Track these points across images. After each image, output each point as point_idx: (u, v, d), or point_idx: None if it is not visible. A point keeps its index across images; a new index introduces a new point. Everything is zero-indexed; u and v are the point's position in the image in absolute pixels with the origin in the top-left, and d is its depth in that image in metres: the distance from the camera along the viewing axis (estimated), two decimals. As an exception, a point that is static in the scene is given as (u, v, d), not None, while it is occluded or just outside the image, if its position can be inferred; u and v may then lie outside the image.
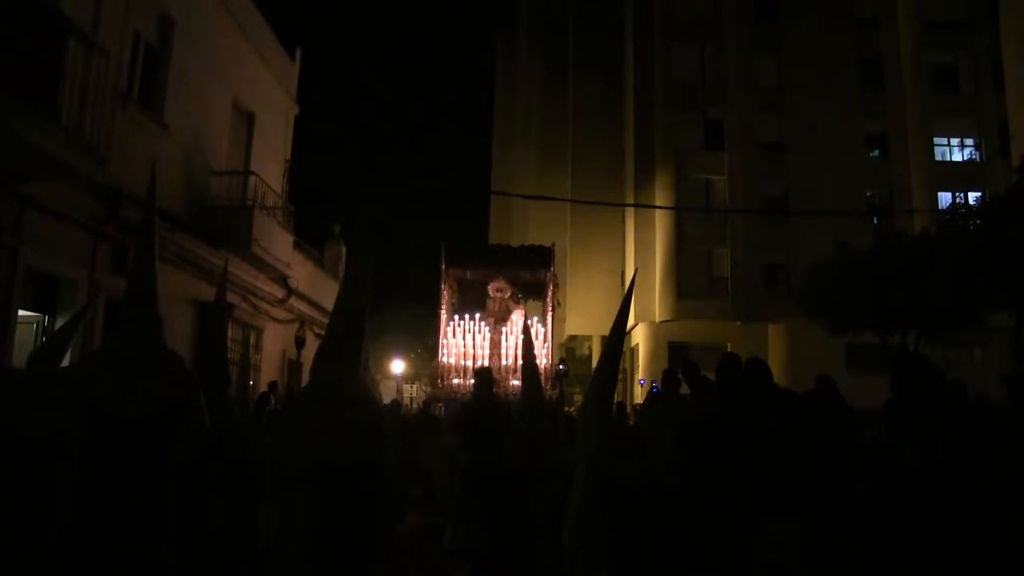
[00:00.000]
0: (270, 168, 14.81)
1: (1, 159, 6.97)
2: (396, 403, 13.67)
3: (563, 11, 39.03)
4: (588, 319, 32.96)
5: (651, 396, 8.65)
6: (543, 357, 11.64)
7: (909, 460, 3.47)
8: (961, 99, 30.33)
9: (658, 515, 4.03)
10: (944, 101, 29.93)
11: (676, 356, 26.46)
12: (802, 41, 30.13)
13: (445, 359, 12.08)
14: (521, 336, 11.96)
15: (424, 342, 36.48)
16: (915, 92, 29.92)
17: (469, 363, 11.90)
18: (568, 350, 36.10)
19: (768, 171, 29.79)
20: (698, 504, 3.95)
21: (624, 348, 21.73)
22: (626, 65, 33.61)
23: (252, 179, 12.99)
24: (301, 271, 15.67)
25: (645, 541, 3.98)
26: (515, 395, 10.76)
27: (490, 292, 12.78)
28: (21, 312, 8.01)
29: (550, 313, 12.65)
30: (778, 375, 5.95)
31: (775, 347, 27.31)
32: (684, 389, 7.18)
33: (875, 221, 28.67)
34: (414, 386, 40.12)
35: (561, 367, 22.99)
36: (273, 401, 10.06)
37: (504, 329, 12.18)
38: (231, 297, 11.33)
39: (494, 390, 7.69)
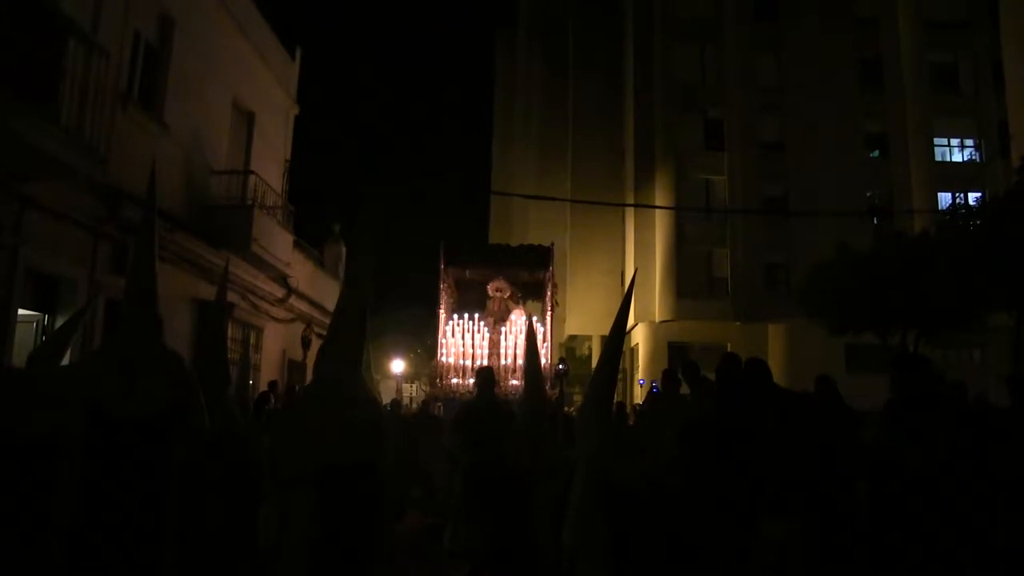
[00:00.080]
0: (270, 168, 14.81)
1: (1, 159, 6.97)
2: (396, 403, 13.68)
3: (563, 11, 39.03)
4: (588, 319, 32.97)
5: (651, 396, 8.66)
6: (543, 357, 11.64)
7: (909, 460, 3.47)
8: (961, 99, 30.34)
9: (658, 515, 4.03)
10: (944, 101, 29.94)
11: (676, 356, 26.47)
12: (802, 41, 30.14)
13: (444, 359, 12.08)
14: (520, 336, 12.03)
15: (424, 342, 36.51)
16: (915, 92, 29.93)
17: (468, 363, 11.90)
18: (568, 350, 36.11)
19: (768, 171, 29.80)
20: (698, 504, 3.95)
21: (624, 348, 21.74)
22: (626, 65, 33.61)
23: (252, 179, 12.99)
24: (301, 271, 15.67)
25: (645, 541, 3.98)
26: (515, 395, 10.75)
27: (490, 292, 12.78)
28: (21, 311, 8.01)
29: (549, 313, 12.65)
30: (778, 375, 5.95)
31: (775, 347, 27.31)
32: (684, 389, 7.18)
33: (875, 221, 28.68)
34: (414, 386, 40.13)
35: (561, 367, 23.00)
36: (273, 401, 10.06)
37: (503, 329, 12.17)
38: (231, 296, 11.33)
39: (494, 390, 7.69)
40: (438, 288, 12.71)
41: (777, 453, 4.02)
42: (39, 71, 6.92)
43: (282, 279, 14.36)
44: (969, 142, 30.46)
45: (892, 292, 16.82)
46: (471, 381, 11.67)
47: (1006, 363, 15.96)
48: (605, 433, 4.38)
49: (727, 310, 28.89)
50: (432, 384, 12.83)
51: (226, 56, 12.92)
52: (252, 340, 13.58)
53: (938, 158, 30.17)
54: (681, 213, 29.12)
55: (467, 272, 13.14)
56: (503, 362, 11.76)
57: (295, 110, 16.50)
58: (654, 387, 11.86)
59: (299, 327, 15.89)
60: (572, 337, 36.69)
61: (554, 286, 12.92)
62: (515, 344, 11.96)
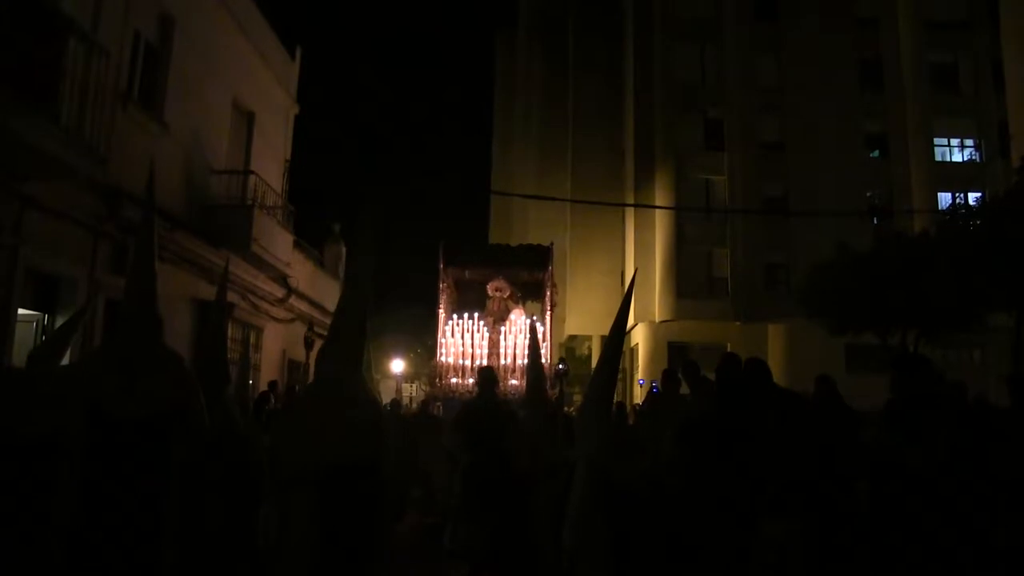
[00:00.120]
0: (270, 167, 14.81)
1: (1, 159, 6.96)
2: (396, 402, 13.67)
3: (563, 11, 39.03)
4: (588, 319, 32.97)
5: (651, 396, 8.65)
6: (543, 356, 11.64)
7: (909, 460, 3.47)
8: (961, 99, 30.34)
9: (658, 515, 4.03)
10: (944, 101, 29.94)
11: (676, 356, 26.47)
12: (802, 41, 30.14)
13: (443, 358, 12.08)
14: (520, 336, 12.04)
15: (424, 342, 36.51)
16: (915, 92, 29.93)
17: (467, 362, 11.90)
18: (568, 350, 36.11)
19: (768, 171, 29.80)
20: (698, 504, 3.95)
21: (624, 348, 21.74)
22: (626, 65, 33.60)
23: (252, 178, 12.99)
24: (301, 270, 15.67)
25: (645, 541, 3.98)
26: (515, 395, 10.75)
27: (489, 292, 12.78)
28: (21, 311, 8.01)
29: (549, 312, 12.65)
30: (778, 375, 5.95)
31: (775, 347, 27.31)
32: (684, 389, 7.18)
33: (875, 221, 28.67)
34: (413, 385, 40.14)
35: (561, 367, 22.99)
36: (273, 400, 10.06)
37: (503, 329, 12.17)
38: (231, 296, 11.32)
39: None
40: (438, 288, 12.72)
41: (777, 453, 4.02)
42: (39, 70, 6.91)
43: (282, 279, 14.36)
44: (969, 142, 30.46)
45: (892, 292, 16.82)
46: (470, 381, 11.67)
47: (1006, 363, 15.96)
48: (605, 433, 4.38)
49: (727, 310, 28.89)
50: (431, 384, 12.83)
51: (226, 56, 12.91)
52: (252, 340, 13.58)
53: (938, 158, 30.17)
54: (681, 213, 29.12)
55: (467, 272, 13.15)
56: (502, 362, 11.76)
57: (295, 110, 16.50)
58: (654, 387, 11.85)
59: (299, 327, 15.89)
60: (572, 337, 36.70)
61: (553, 286, 12.93)
62: (514, 344, 11.96)
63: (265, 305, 14.21)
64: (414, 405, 23.73)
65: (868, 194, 29.90)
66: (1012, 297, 13.63)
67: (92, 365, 4.21)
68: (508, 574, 5.60)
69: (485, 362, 11.65)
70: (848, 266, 18.49)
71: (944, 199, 27.93)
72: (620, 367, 13.97)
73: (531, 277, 13.23)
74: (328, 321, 16.36)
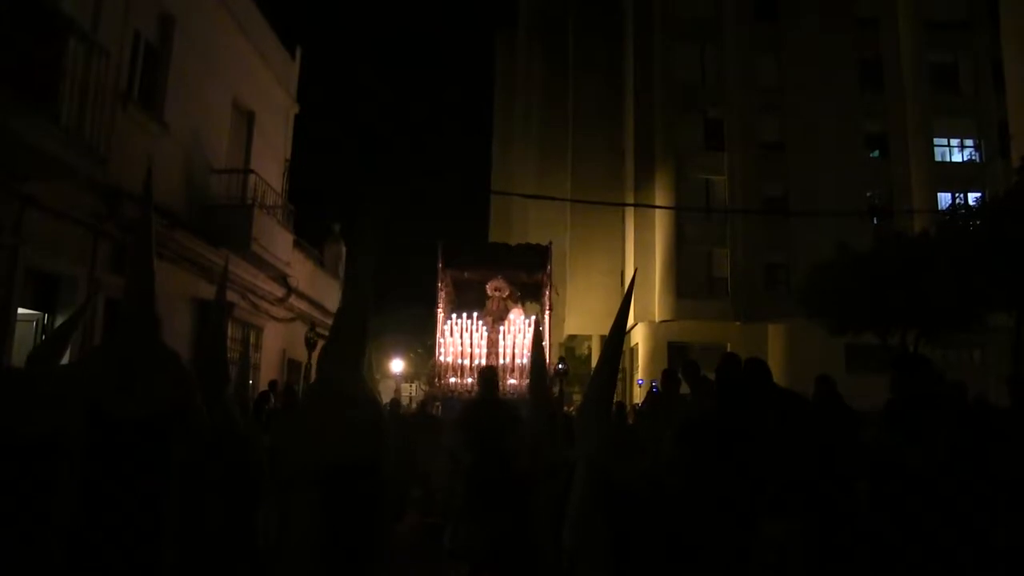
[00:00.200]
0: (270, 167, 14.81)
1: (1, 158, 6.96)
2: (395, 402, 13.66)
3: (563, 11, 39.03)
4: (588, 319, 32.97)
5: (651, 396, 8.65)
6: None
7: (909, 460, 3.47)
8: (961, 99, 30.34)
9: (658, 515, 4.03)
10: (944, 101, 29.94)
11: (676, 356, 26.47)
12: (802, 41, 30.14)
13: (442, 358, 12.07)
14: (519, 335, 12.03)
15: (423, 342, 36.48)
16: (915, 92, 29.93)
17: (466, 362, 11.88)
18: (568, 350, 36.12)
19: (768, 171, 29.80)
20: (698, 504, 3.95)
21: (624, 348, 21.74)
22: (626, 65, 33.60)
23: (252, 178, 12.99)
24: (301, 270, 15.67)
25: (645, 541, 3.98)
26: (513, 394, 10.75)
27: (489, 291, 12.77)
28: (21, 310, 8.01)
29: (548, 312, 12.64)
30: (778, 375, 5.94)
31: (775, 347, 27.31)
32: (684, 389, 7.18)
33: (875, 221, 28.68)
34: (413, 385, 40.12)
35: (560, 366, 22.99)
36: (273, 400, 10.06)
37: (502, 328, 12.16)
38: (231, 296, 11.32)
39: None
40: (436, 287, 12.71)
41: (777, 453, 4.02)
42: (39, 70, 6.91)
43: (282, 278, 14.36)
44: (969, 142, 30.46)
45: (892, 292, 16.82)
46: (469, 380, 11.66)
47: (1006, 363, 15.96)
48: (605, 433, 4.38)
49: (727, 310, 28.89)
50: (430, 384, 12.82)
51: (226, 55, 12.91)
52: (252, 339, 13.58)
53: (938, 158, 30.17)
54: (681, 213, 29.12)
55: (466, 272, 13.13)
56: (501, 361, 11.74)
57: (295, 109, 16.50)
58: (654, 387, 11.85)
59: (299, 326, 15.89)
60: (572, 337, 36.70)
61: (551, 285, 12.92)
62: (513, 343, 11.95)
63: (265, 305, 14.21)
64: (414, 405, 23.73)
65: (868, 194, 29.90)
66: (1012, 297, 13.62)
67: (92, 365, 4.21)
68: (508, 574, 5.59)
69: (484, 362, 11.64)
70: (848, 266, 18.49)
71: (944, 199, 27.92)
72: (620, 367, 13.98)
73: (530, 277, 13.21)
74: (328, 321, 16.41)
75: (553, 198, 25.54)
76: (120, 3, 9.33)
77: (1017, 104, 20.40)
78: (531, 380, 6.70)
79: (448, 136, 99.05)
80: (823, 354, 21.26)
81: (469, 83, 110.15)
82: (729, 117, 30.37)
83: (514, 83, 47.20)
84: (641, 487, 4.19)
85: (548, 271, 12.79)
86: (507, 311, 12.62)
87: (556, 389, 16.26)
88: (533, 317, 12.55)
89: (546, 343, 12.23)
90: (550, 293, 12.75)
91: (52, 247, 8.30)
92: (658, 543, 3.96)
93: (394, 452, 4.53)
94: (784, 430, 4.19)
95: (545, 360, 6.89)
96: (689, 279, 29.42)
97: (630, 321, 19.57)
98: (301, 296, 15.70)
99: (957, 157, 30.64)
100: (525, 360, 11.67)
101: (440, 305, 12.60)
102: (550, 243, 13.16)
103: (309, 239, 17.53)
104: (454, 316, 12.34)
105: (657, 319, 29.21)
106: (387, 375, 34.24)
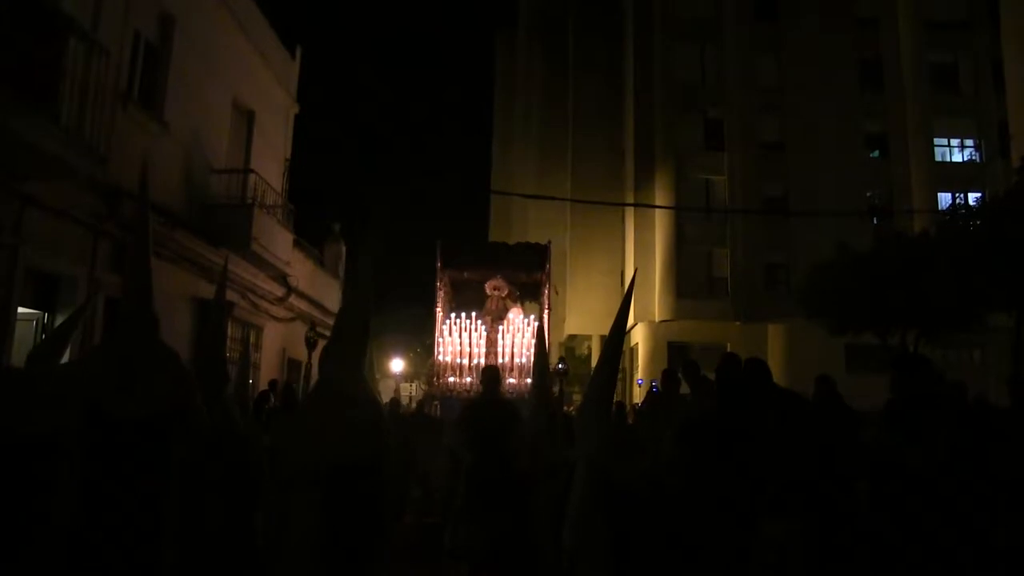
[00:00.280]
0: (270, 167, 14.81)
1: (1, 158, 6.96)
2: (395, 402, 13.66)
3: (563, 11, 39.04)
4: (588, 319, 32.97)
5: (651, 396, 8.65)
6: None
7: (909, 460, 3.47)
8: (961, 99, 30.33)
9: (658, 515, 4.03)
10: (944, 101, 29.93)
11: (676, 356, 26.48)
12: (802, 41, 30.13)
13: (441, 357, 12.07)
14: (518, 335, 12.03)
15: (423, 341, 36.45)
16: (915, 92, 29.92)
17: (465, 361, 11.88)
18: (568, 349, 36.12)
19: (768, 171, 29.80)
20: (698, 504, 3.95)
21: (624, 348, 21.75)
22: (626, 65, 33.60)
23: (252, 177, 12.98)
24: (301, 270, 15.67)
25: (645, 541, 3.98)
26: (512, 393, 10.75)
27: (488, 291, 12.77)
28: (21, 309, 8.01)
29: (547, 311, 12.63)
30: (778, 375, 5.94)
31: (775, 347, 27.30)
32: (684, 389, 7.18)
33: (875, 221, 28.67)
34: (413, 385, 40.12)
35: (560, 366, 22.98)
36: (273, 400, 10.05)
37: (501, 328, 12.16)
38: (231, 295, 11.32)
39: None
40: (435, 287, 12.71)
41: (777, 453, 4.02)
42: (39, 70, 6.91)
43: (282, 278, 14.36)
44: (969, 142, 30.45)
45: (892, 292, 16.81)
46: (468, 380, 11.67)
47: (1006, 363, 15.96)
48: (605, 433, 4.38)
49: (727, 310, 28.89)
50: (429, 383, 12.82)
51: (226, 55, 12.91)
52: (252, 339, 13.58)
53: (938, 158, 30.16)
54: (681, 213, 29.12)
55: (465, 271, 13.13)
56: (500, 361, 11.75)
57: (295, 109, 16.50)
58: (653, 387, 11.84)
59: (299, 326, 15.89)
60: (572, 337, 36.70)
61: (550, 285, 12.91)
62: (512, 343, 11.95)
63: (265, 304, 14.21)
64: (413, 405, 23.71)
65: (868, 194, 29.89)
66: (1012, 297, 13.62)
67: (91, 364, 4.21)
68: (508, 574, 5.59)
69: (483, 361, 11.64)
70: (848, 266, 18.48)
71: (944, 199, 27.92)
72: (620, 367, 13.98)
73: (529, 277, 13.21)
74: (328, 320, 16.42)
75: (553, 198, 25.52)
76: (120, 3, 9.33)
77: (1017, 104, 20.40)
78: (534, 381, 6.70)
79: (448, 136, 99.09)
80: (823, 354, 21.26)
81: (469, 83, 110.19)
82: (729, 117, 30.37)
83: (514, 83, 47.18)
84: (641, 487, 4.19)
85: (547, 270, 12.79)
86: (506, 310, 12.63)
87: (556, 389, 16.24)
88: (532, 316, 12.56)
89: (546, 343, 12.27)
90: (549, 292, 12.75)
91: (52, 247, 8.30)
92: (658, 543, 3.96)
93: (395, 452, 4.53)
94: (784, 430, 4.19)
95: (548, 361, 6.90)
96: (689, 279, 29.42)
97: (630, 321, 19.56)
98: (301, 296, 15.70)
99: (957, 157, 30.63)
100: (524, 360, 11.68)
101: (439, 304, 12.59)
102: (549, 242, 13.17)
103: (309, 239, 17.55)
104: (453, 315, 12.34)
105: (657, 319, 29.21)
106: (387, 375, 34.25)
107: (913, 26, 30.31)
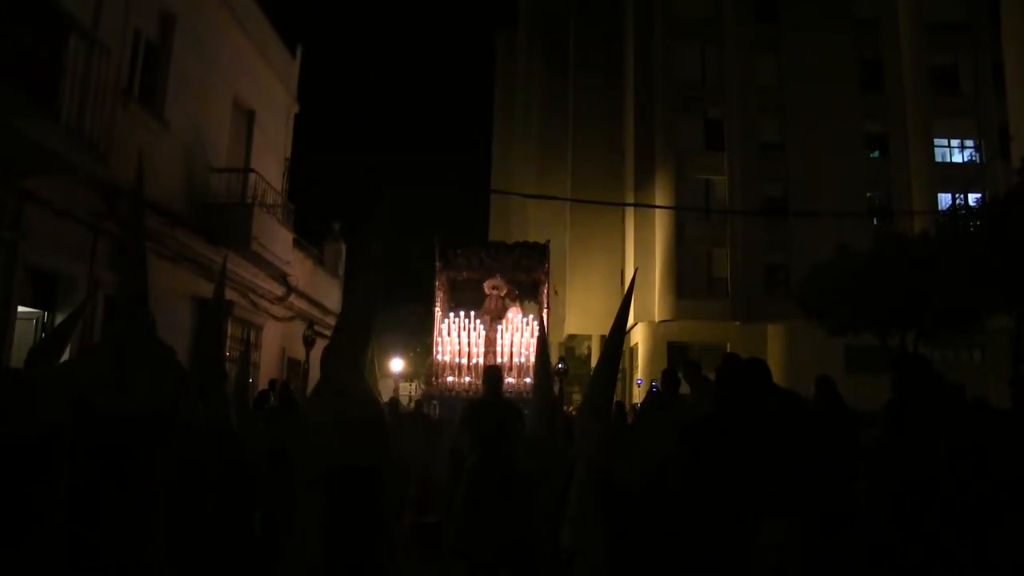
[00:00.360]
0: (270, 166, 14.80)
1: (2, 155, 6.96)
2: (394, 401, 13.65)
3: (563, 11, 39.05)
4: (588, 319, 32.97)
5: (650, 395, 8.65)
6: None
7: (909, 460, 3.47)
8: (961, 100, 30.32)
9: (657, 515, 4.02)
10: (944, 102, 29.92)
11: (675, 356, 26.48)
12: (802, 41, 30.12)
13: (440, 357, 12.06)
14: (517, 334, 12.04)
15: (423, 341, 36.40)
16: (915, 92, 29.91)
17: (464, 361, 11.88)
18: (568, 350, 36.12)
19: (768, 171, 29.80)
20: (698, 504, 3.94)
21: (624, 348, 21.74)
22: (626, 65, 33.60)
23: (252, 176, 12.98)
24: (301, 269, 15.66)
25: (644, 541, 3.97)
26: (511, 392, 10.75)
27: (487, 290, 12.78)
28: (21, 308, 8.01)
29: (546, 310, 12.64)
30: (778, 375, 5.95)
31: (774, 347, 27.31)
32: (684, 389, 7.18)
33: (875, 222, 28.67)
34: (412, 384, 40.09)
35: (560, 366, 22.96)
36: (272, 399, 10.05)
37: (499, 327, 12.16)
38: (231, 294, 11.31)
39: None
40: (434, 286, 12.71)
41: (777, 453, 4.01)
42: (40, 68, 6.91)
43: (282, 277, 14.36)
44: (969, 143, 30.44)
45: (892, 293, 16.81)
46: (467, 379, 11.67)
47: (1006, 364, 15.96)
48: (605, 433, 4.38)
49: (727, 310, 28.89)
50: (428, 383, 12.81)
51: (227, 54, 12.90)
52: (252, 338, 13.57)
53: (938, 159, 30.16)
54: (681, 213, 29.12)
55: (464, 271, 13.13)
56: (499, 360, 11.75)
57: (295, 108, 16.49)
58: (653, 387, 11.85)
59: (299, 325, 15.88)
60: (572, 337, 36.70)
61: (548, 284, 12.92)
62: (511, 342, 11.96)
63: (265, 303, 14.21)
64: (412, 405, 23.68)
65: (868, 194, 29.88)
66: (1012, 298, 13.62)
67: (85, 361, 4.21)
68: (508, 574, 5.59)
69: (482, 361, 11.64)
70: (848, 267, 18.48)
71: (944, 200, 27.91)
72: (620, 367, 13.96)
73: (528, 276, 13.22)
74: (327, 319, 16.42)
75: (553, 198, 25.55)
76: (121, 1, 9.32)
77: (1017, 105, 20.40)
78: (536, 381, 6.69)
79: (448, 136, 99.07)
80: (823, 354, 21.25)
81: (469, 83, 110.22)
82: (729, 117, 30.37)
83: (514, 83, 47.19)
84: (641, 487, 4.18)
85: (546, 270, 12.79)
86: (505, 310, 12.63)
87: (556, 389, 16.23)
88: (531, 316, 12.56)
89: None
90: (548, 292, 12.75)
91: (52, 244, 8.29)
92: (657, 543, 3.96)
93: (395, 452, 4.53)
94: (784, 430, 4.19)
95: (550, 362, 6.90)
96: (689, 279, 29.43)
97: (630, 321, 19.55)
98: (301, 295, 15.70)
99: (957, 158, 30.62)
100: (523, 359, 11.69)
101: (438, 304, 12.60)
102: (548, 242, 13.18)
103: (309, 238, 17.54)
104: (452, 315, 12.34)
105: (657, 319, 29.21)
106: (386, 374, 34.23)
107: (913, 27, 30.30)
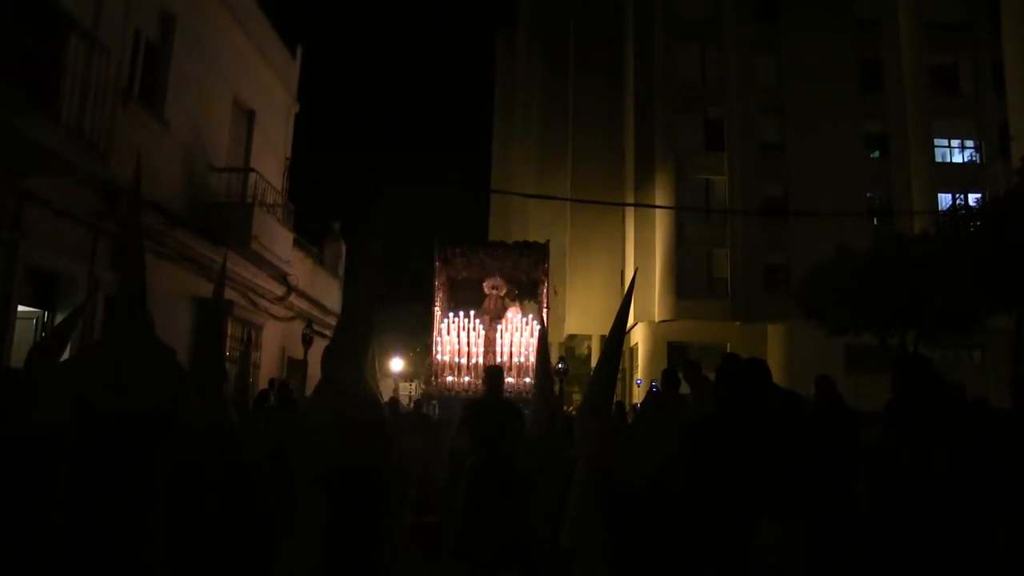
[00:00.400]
0: (270, 165, 14.80)
1: (1, 155, 6.96)
2: (394, 401, 13.65)
3: (563, 11, 39.03)
4: (588, 319, 32.96)
5: (650, 395, 8.65)
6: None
7: (909, 460, 3.47)
8: (961, 100, 30.31)
9: (657, 515, 4.02)
10: (944, 102, 29.91)
11: (675, 356, 26.48)
12: (802, 41, 30.11)
13: (439, 356, 12.05)
14: (516, 334, 12.03)
15: (422, 340, 36.37)
16: (915, 93, 29.90)
17: (463, 360, 11.87)
18: (568, 350, 36.11)
19: (768, 171, 29.79)
20: (698, 504, 3.94)
21: (624, 348, 21.74)
22: (626, 65, 33.59)
23: (252, 176, 12.98)
24: (301, 269, 15.66)
25: (644, 541, 3.97)
26: (510, 392, 10.75)
27: (486, 289, 12.77)
28: (21, 308, 8.00)
29: (545, 310, 12.63)
30: (778, 375, 5.94)
31: (774, 347, 27.30)
32: (684, 389, 7.18)
33: (875, 222, 28.66)
34: (412, 384, 40.07)
35: (560, 366, 22.95)
36: (272, 398, 10.04)
37: (499, 327, 12.16)
38: (231, 294, 11.31)
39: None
40: (433, 286, 12.71)
41: (777, 453, 4.01)
42: (40, 68, 6.91)
43: (282, 277, 14.35)
44: (969, 143, 30.43)
45: (892, 293, 16.81)
46: (466, 379, 11.66)
47: (1006, 364, 15.96)
48: (605, 433, 4.38)
49: (727, 310, 28.89)
50: (427, 382, 12.80)
51: (227, 54, 12.90)
52: (252, 338, 13.57)
53: (938, 159, 30.15)
54: (681, 213, 29.12)
55: (463, 270, 13.13)
56: (498, 360, 11.74)
57: (295, 108, 16.49)
58: (653, 387, 11.85)
59: (299, 325, 15.88)
60: (572, 337, 36.68)
61: (548, 284, 12.92)
62: (511, 342, 11.95)
63: (265, 303, 14.20)
64: (411, 405, 23.66)
65: (868, 194, 29.87)
66: (1012, 298, 13.61)
67: (84, 360, 4.20)
68: (508, 574, 5.59)
69: (481, 360, 11.64)
70: (848, 267, 18.47)
71: (944, 200, 27.89)
72: (620, 367, 13.96)
73: (528, 276, 13.21)
74: (327, 319, 16.41)
75: (553, 198, 25.54)
76: (121, 1, 9.32)
77: (1017, 105, 20.39)
78: (536, 381, 6.69)
79: (448, 136, 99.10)
80: (823, 354, 21.24)
81: (469, 83, 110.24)
82: (729, 117, 30.36)
83: (514, 83, 47.17)
84: (641, 487, 4.18)
85: (546, 269, 12.79)
86: (505, 309, 12.63)
87: (556, 389, 16.24)
88: (531, 316, 12.56)
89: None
90: (548, 292, 12.74)
91: (52, 244, 8.29)
92: (658, 543, 3.96)
93: (395, 452, 4.53)
94: (784, 430, 4.18)
95: (550, 362, 6.90)
96: (689, 279, 29.42)
97: (630, 321, 19.55)
98: (301, 295, 15.69)
99: (957, 158, 30.61)
100: (523, 359, 11.69)
101: (437, 303, 12.59)
102: (548, 242, 13.17)
103: (309, 238, 17.53)
104: (451, 314, 12.33)
105: (657, 319, 29.21)
106: (386, 374, 34.24)
107: (913, 27, 30.29)
